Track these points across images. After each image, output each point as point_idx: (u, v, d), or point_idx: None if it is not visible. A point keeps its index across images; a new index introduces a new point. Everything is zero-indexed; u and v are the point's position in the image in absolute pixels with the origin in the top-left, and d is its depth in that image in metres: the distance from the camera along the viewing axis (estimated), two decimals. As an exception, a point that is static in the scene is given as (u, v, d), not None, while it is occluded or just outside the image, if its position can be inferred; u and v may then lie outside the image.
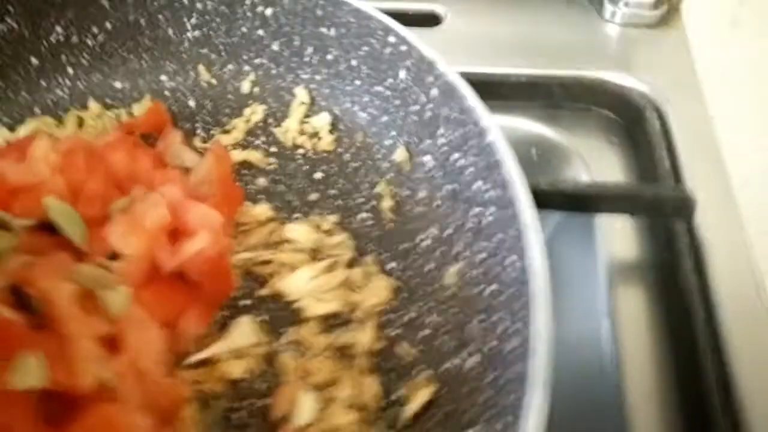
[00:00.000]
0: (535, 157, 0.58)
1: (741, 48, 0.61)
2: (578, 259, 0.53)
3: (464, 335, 0.37)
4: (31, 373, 0.29)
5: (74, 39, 0.53)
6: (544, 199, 0.45)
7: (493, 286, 0.36)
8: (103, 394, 0.31)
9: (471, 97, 0.38)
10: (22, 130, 0.52)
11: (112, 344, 0.32)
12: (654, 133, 0.52)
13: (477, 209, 0.39)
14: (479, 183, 0.38)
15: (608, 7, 0.63)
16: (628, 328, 0.46)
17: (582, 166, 0.54)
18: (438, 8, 0.67)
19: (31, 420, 0.29)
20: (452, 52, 0.62)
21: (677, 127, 0.54)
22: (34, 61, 0.53)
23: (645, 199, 0.47)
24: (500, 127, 0.60)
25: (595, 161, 0.54)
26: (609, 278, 0.48)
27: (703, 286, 0.45)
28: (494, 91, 0.59)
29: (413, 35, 0.42)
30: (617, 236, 0.50)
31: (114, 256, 0.36)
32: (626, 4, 0.62)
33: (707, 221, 0.47)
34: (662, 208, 0.47)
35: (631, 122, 0.55)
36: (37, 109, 0.53)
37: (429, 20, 0.67)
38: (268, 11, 0.50)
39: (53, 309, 0.31)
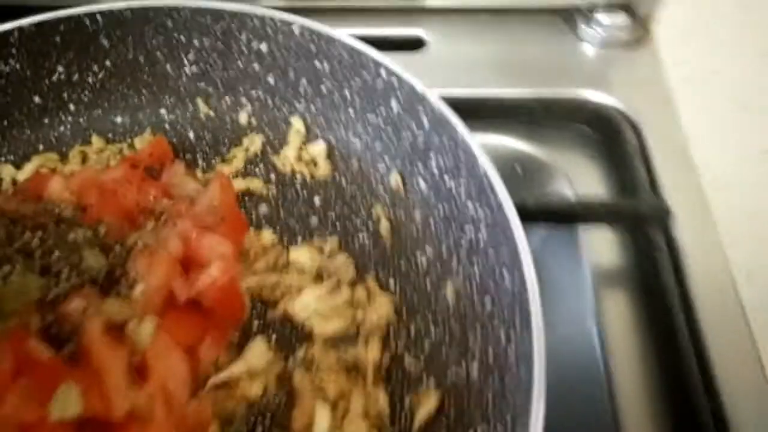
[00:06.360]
0: (520, 173, 0.61)
1: (713, 64, 0.65)
2: (565, 268, 0.56)
3: (465, 345, 0.39)
4: (69, 403, 0.31)
5: (75, 77, 0.55)
6: (531, 215, 0.49)
7: (489, 298, 0.39)
8: (135, 418, 0.33)
9: (460, 127, 0.41)
10: (28, 167, 0.54)
11: (140, 371, 0.34)
12: (631, 148, 0.56)
13: (469, 228, 0.42)
14: (471, 204, 0.41)
15: (584, 29, 0.67)
16: (614, 331, 0.49)
17: (564, 180, 0.58)
18: (421, 32, 0.70)
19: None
20: (436, 75, 0.66)
21: (652, 141, 0.57)
22: (36, 99, 0.55)
23: (625, 212, 0.50)
24: (486, 145, 0.63)
25: (577, 175, 0.57)
26: (594, 285, 0.52)
27: (682, 289, 0.48)
28: (477, 112, 0.62)
29: (402, 68, 0.45)
30: (600, 246, 0.54)
31: (132, 285, 0.38)
32: (600, 26, 0.66)
33: (683, 229, 0.51)
34: (641, 219, 0.50)
35: (610, 138, 0.59)
36: (40, 146, 0.55)
37: (413, 44, 0.70)
38: (263, 47, 0.52)
39: (85, 343, 0.33)
